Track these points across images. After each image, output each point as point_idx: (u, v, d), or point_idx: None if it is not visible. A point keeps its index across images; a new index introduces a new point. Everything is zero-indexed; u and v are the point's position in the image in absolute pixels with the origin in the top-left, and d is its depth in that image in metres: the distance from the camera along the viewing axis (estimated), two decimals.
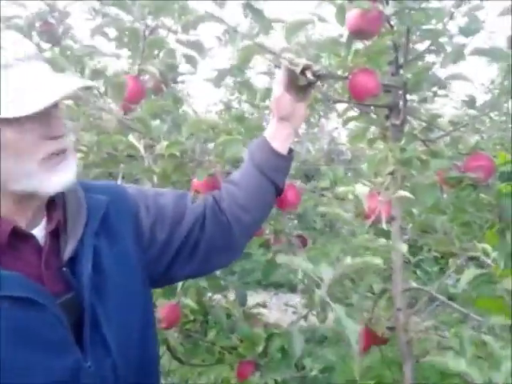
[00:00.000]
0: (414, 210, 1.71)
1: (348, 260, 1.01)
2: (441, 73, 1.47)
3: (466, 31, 1.38)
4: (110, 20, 1.38)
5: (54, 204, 0.95)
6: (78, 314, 0.91)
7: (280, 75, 1.18)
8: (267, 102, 1.88)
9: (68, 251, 0.92)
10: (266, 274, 1.57)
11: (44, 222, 0.94)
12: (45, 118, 0.85)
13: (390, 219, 1.50)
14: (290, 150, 1.22)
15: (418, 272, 2.30)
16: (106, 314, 0.94)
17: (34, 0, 1.99)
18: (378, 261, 1.00)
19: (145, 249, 1.07)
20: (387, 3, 1.24)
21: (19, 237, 0.89)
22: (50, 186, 0.88)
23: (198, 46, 1.56)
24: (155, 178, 1.48)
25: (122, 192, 1.09)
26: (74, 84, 0.89)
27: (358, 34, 1.25)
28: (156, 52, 1.74)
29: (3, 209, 0.88)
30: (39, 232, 0.92)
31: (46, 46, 2.02)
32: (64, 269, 0.91)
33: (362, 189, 1.08)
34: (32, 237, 0.91)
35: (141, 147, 1.45)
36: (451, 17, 1.42)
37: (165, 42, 1.50)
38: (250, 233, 1.23)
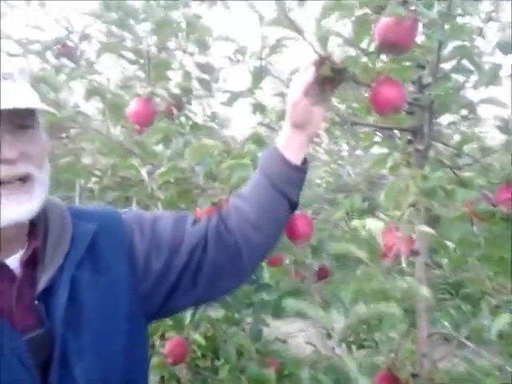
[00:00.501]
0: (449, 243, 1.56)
1: (361, 308, 0.89)
2: (470, 94, 1.35)
3: (504, 47, 1.23)
4: (116, 41, 1.32)
5: (34, 231, 0.89)
6: (49, 353, 0.82)
7: (300, 77, 1.06)
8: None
9: (43, 282, 0.84)
10: (276, 311, 1.45)
11: (21, 251, 0.87)
12: None
13: (414, 254, 1.37)
14: (305, 161, 1.09)
15: (452, 311, 2.12)
16: (79, 351, 0.84)
17: (52, 23, 1.98)
18: (395, 309, 0.87)
19: (139, 279, 0.97)
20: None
21: None
22: (5, 217, 0.79)
23: (208, 68, 1.48)
24: (160, 205, 1.40)
25: (116, 219, 1.01)
26: (26, 102, 0.80)
27: (389, 47, 1.06)
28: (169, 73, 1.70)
29: None
30: (14, 261, 0.85)
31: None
32: (36, 302, 0.84)
33: (374, 224, 0.95)
34: (4, 266, 0.84)
35: (144, 172, 1.37)
36: (480, 33, 1.30)
37: (171, 64, 1.42)
38: (261, 253, 1.10)
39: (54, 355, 0.82)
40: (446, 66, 1.30)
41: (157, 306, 1.00)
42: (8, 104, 0.77)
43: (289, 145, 1.07)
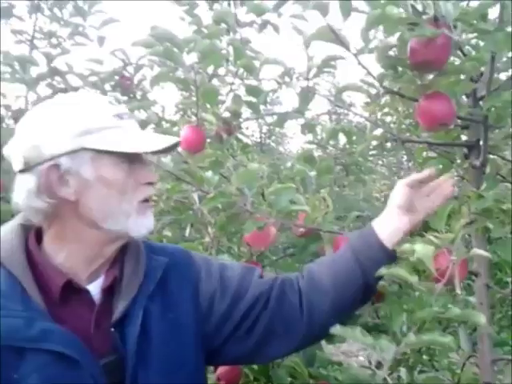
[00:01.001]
0: None
1: (412, 338, 0.85)
2: None
3: None
4: (165, 71, 1.36)
5: (113, 261, 0.95)
6: (121, 378, 0.87)
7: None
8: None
9: (118, 311, 0.90)
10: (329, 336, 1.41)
11: (102, 278, 0.93)
12: (146, 165, 0.93)
13: (474, 275, 1.30)
14: (394, 252, 1.03)
15: None
16: (147, 381, 0.89)
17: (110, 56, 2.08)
18: (447, 339, 0.82)
19: (203, 319, 1.00)
20: (455, 27, 1.06)
21: (73, 291, 0.89)
22: (140, 230, 0.91)
23: (256, 91, 1.50)
24: (210, 229, 1.42)
25: (186, 257, 1.05)
26: (172, 139, 0.95)
27: (422, 65, 1.06)
28: (221, 97, 1.73)
29: (72, 256, 0.89)
30: (95, 288, 0.92)
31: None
32: (112, 329, 0.89)
33: (424, 249, 0.90)
34: (86, 292, 0.90)
35: (195, 197, 1.40)
36: None
37: (218, 91, 1.45)
38: (321, 322, 1.02)
39: (126, 383, 0.87)
40: (502, 76, 1.23)
41: (213, 349, 1.02)
42: (167, 142, 0.93)
43: (387, 225, 1.04)
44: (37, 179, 0.86)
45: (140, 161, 0.92)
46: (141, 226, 0.91)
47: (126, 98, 2.09)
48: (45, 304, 0.85)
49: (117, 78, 2.06)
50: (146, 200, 0.93)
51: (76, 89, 2.10)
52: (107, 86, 1.96)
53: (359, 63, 1.02)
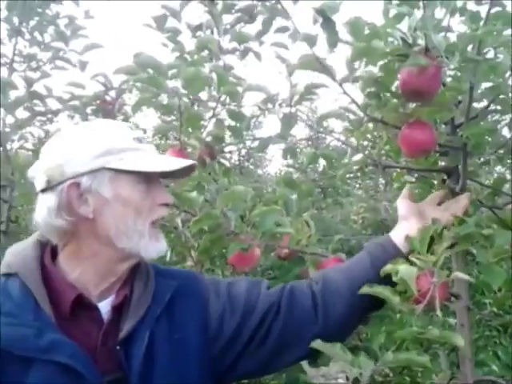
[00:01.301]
0: None
1: (389, 356, 0.86)
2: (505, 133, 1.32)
3: None
4: (148, 97, 1.37)
5: (124, 282, 0.98)
6: None
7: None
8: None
9: (126, 330, 0.92)
10: (313, 358, 1.41)
11: (112, 297, 0.96)
12: (161, 186, 0.98)
13: (455, 297, 1.32)
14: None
15: (501, 353, 2.02)
16: None
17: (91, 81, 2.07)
18: (424, 359, 0.84)
19: (211, 340, 1.01)
20: (447, 58, 1.09)
21: (83, 307, 0.91)
22: (152, 251, 0.95)
23: (238, 117, 1.52)
24: (193, 253, 1.41)
25: (194, 280, 1.07)
26: (187, 161, 1.00)
27: (414, 95, 1.08)
28: (203, 122, 1.74)
29: (86, 272, 0.92)
30: (105, 306, 0.94)
31: None
32: (118, 347, 0.91)
33: (407, 270, 0.92)
34: (96, 309, 0.93)
35: (178, 221, 1.40)
36: None
37: (202, 116, 1.47)
38: (336, 324, 1.04)
39: None
40: (479, 105, 1.28)
41: (225, 367, 1.03)
42: (182, 163, 0.97)
43: (399, 232, 1.10)
44: (58, 197, 0.91)
45: (157, 182, 0.97)
46: (153, 247, 0.95)
47: None
48: (55, 318, 0.88)
49: (98, 102, 2.06)
50: (156, 221, 0.96)
51: (56, 112, 2.08)
52: (88, 110, 1.96)
53: (344, 92, 1.05)
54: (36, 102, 2.10)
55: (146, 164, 0.93)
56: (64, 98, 1.97)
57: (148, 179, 0.95)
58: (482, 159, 1.37)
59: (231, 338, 1.02)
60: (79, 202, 0.91)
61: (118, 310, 0.94)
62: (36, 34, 2.19)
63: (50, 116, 2.20)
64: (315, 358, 1.35)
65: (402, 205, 1.14)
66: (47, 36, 2.13)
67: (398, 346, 0.92)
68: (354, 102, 1.09)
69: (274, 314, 1.04)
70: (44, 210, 0.92)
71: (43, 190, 0.93)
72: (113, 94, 2.03)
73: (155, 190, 0.96)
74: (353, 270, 1.07)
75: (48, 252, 0.95)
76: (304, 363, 1.55)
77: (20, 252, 0.94)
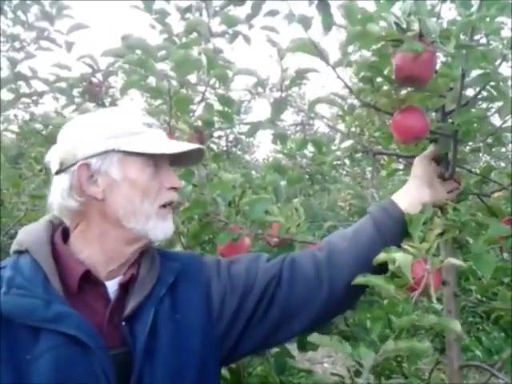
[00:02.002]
0: None
1: (391, 344, 0.86)
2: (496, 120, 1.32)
3: None
4: (136, 79, 1.34)
5: (132, 263, 1.00)
6: (127, 372, 0.90)
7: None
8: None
9: (130, 308, 0.94)
10: (301, 343, 1.42)
11: (120, 277, 0.98)
12: (170, 170, 1.00)
13: (442, 284, 1.33)
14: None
15: (484, 338, 2.06)
16: (152, 378, 0.92)
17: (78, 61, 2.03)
18: (425, 346, 0.84)
19: (214, 321, 1.03)
20: (441, 43, 1.07)
21: (91, 284, 0.94)
22: (158, 233, 0.97)
23: (228, 101, 1.50)
24: (183, 239, 1.40)
25: (197, 262, 1.09)
26: (195, 145, 1.01)
27: (408, 80, 1.07)
28: (192, 106, 1.71)
29: (96, 251, 0.95)
30: (113, 285, 0.97)
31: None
32: (123, 323, 0.93)
33: (403, 258, 0.92)
34: (103, 285, 0.95)
35: None
36: (504, 59, 1.28)
37: (192, 100, 1.44)
38: (343, 293, 1.04)
39: (132, 378, 0.90)
40: (470, 92, 1.28)
41: (230, 346, 1.05)
42: (190, 146, 0.99)
43: (406, 196, 1.09)
44: (69, 179, 0.94)
45: (166, 167, 0.99)
46: (160, 229, 0.97)
47: (94, 104, 2.04)
48: (63, 292, 0.91)
49: (84, 84, 2.01)
50: (167, 205, 0.99)
51: (41, 94, 2.04)
52: (75, 93, 1.91)
53: (338, 76, 1.03)
54: (20, 83, 2.04)
55: (153, 146, 0.95)
56: (49, 80, 1.92)
57: (157, 163, 0.97)
58: (470, 146, 1.37)
59: (233, 317, 1.04)
60: (89, 182, 0.94)
61: (125, 288, 0.97)
62: (19, 12, 2.13)
63: (35, 98, 2.15)
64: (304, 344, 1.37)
65: (420, 164, 1.15)
66: (31, 15, 2.07)
67: (397, 335, 0.92)
68: (347, 86, 1.08)
69: (275, 287, 1.06)
70: (57, 192, 0.96)
71: (57, 173, 0.97)
72: (100, 76, 1.99)
73: (164, 173, 0.98)
74: (358, 237, 1.07)
75: (59, 232, 0.98)
76: (293, 348, 1.56)
77: (31, 230, 0.98)
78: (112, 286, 0.97)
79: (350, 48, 1.03)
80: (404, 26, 0.95)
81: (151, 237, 0.97)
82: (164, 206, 0.98)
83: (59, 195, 0.96)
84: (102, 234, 0.96)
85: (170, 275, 1.02)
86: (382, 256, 1.00)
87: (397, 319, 0.92)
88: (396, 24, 0.95)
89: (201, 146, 1.02)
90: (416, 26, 0.98)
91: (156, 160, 0.97)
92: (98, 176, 0.94)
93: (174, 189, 1.00)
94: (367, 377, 0.91)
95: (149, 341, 0.93)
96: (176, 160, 1.03)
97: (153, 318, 0.95)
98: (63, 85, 1.87)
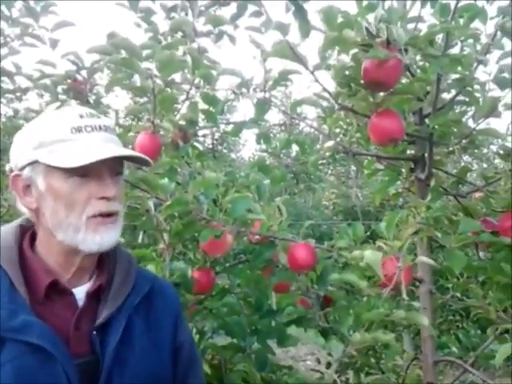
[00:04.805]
0: None
1: (357, 336, 0.90)
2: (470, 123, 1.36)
3: (502, 82, 1.24)
4: (121, 77, 1.36)
5: (102, 269, 0.98)
6: (95, 380, 0.89)
7: None
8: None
9: (102, 317, 0.93)
10: (281, 338, 1.45)
11: (89, 284, 0.96)
12: (100, 179, 0.91)
13: (418, 282, 1.37)
14: None
15: (461, 335, 2.11)
16: None
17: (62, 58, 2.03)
18: (389, 337, 0.88)
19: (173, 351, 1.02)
20: (406, 52, 1.13)
21: (58, 291, 0.92)
22: (90, 246, 0.91)
23: (212, 100, 1.52)
24: (165, 237, 1.42)
25: (173, 290, 1.09)
26: (125, 151, 0.94)
27: (374, 85, 1.13)
28: (177, 105, 1.73)
29: (50, 259, 0.93)
30: (80, 292, 0.94)
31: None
32: (94, 333, 0.92)
33: (372, 255, 0.96)
34: (70, 294, 0.93)
35: (151, 204, 1.40)
36: (480, 63, 1.32)
37: (176, 99, 1.46)
38: None
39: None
40: (446, 96, 1.32)
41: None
42: (119, 152, 0.91)
43: None
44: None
45: (98, 174, 0.90)
46: (90, 241, 0.91)
47: (78, 101, 2.04)
48: (30, 301, 0.89)
49: (69, 81, 2.02)
50: (103, 215, 0.91)
51: (25, 91, 2.03)
52: (59, 89, 1.92)
53: (316, 80, 1.06)
54: (4, 79, 2.04)
55: (74, 158, 0.88)
56: (34, 76, 1.92)
57: (85, 171, 0.89)
58: (448, 149, 1.41)
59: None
60: (25, 192, 0.93)
61: (95, 296, 0.95)
62: (3, 7, 2.12)
63: (18, 94, 2.15)
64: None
65: None
66: (15, 11, 2.06)
67: (367, 328, 0.96)
68: (325, 90, 1.11)
69: None
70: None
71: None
72: (84, 73, 2.00)
73: (94, 182, 0.90)
74: None
75: (28, 238, 0.96)
76: (273, 344, 1.59)
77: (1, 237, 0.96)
78: (79, 293, 0.94)
79: (330, 52, 1.06)
80: (374, 32, 0.98)
81: (83, 249, 0.91)
82: (95, 216, 0.90)
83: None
84: (47, 242, 0.94)
85: (145, 286, 1.00)
86: (354, 253, 1.03)
87: (365, 313, 0.95)
88: (367, 30, 0.98)
89: (132, 154, 0.94)
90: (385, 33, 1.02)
91: (83, 169, 0.88)
92: (32, 186, 0.92)
93: (106, 198, 0.91)
94: (336, 367, 0.94)
95: (119, 350, 0.91)
96: (127, 158, 0.95)
97: (125, 328, 0.93)
98: (47, 82, 1.87)
